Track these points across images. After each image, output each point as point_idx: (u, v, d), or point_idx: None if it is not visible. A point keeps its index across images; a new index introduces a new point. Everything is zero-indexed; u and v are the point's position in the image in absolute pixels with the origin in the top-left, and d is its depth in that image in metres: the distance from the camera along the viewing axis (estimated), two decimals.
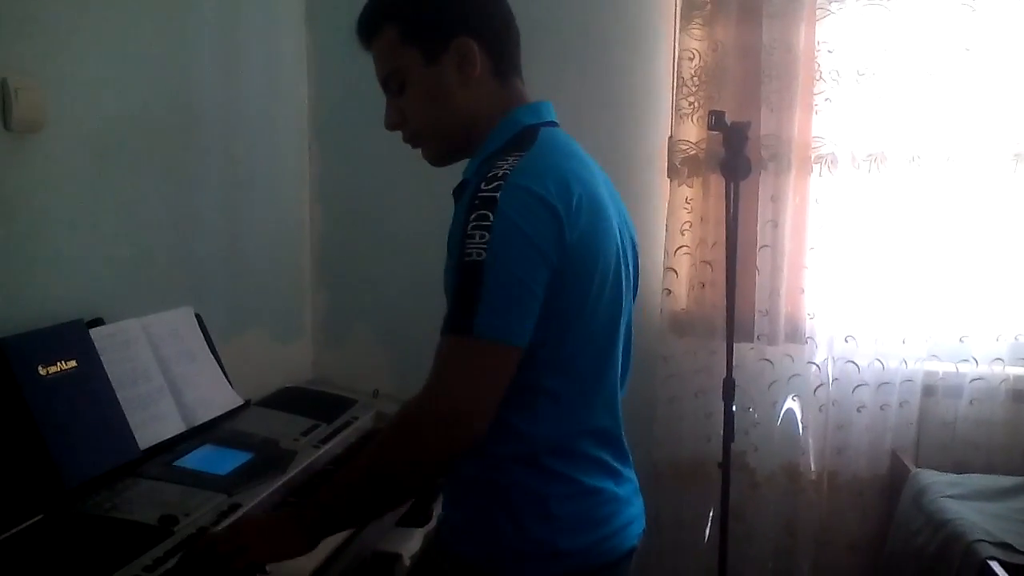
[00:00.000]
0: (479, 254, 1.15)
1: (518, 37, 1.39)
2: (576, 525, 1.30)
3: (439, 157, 1.41)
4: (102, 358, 1.67)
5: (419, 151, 1.43)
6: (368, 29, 1.36)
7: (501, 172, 1.20)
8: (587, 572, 1.31)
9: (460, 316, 1.17)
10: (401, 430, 1.25)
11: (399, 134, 1.41)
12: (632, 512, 1.39)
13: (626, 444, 1.41)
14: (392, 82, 1.36)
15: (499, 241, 1.16)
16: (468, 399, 1.18)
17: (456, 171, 1.45)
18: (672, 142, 2.57)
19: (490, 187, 1.19)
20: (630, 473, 1.42)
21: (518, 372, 1.21)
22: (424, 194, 2.64)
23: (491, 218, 1.16)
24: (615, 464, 1.37)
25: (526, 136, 1.30)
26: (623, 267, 1.34)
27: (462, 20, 1.32)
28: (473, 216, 1.17)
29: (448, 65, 1.32)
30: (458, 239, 1.19)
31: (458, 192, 1.35)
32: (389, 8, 1.35)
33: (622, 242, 1.34)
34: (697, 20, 2.51)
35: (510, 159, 1.23)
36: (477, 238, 1.16)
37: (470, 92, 1.33)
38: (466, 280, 1.16)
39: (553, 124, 1.37)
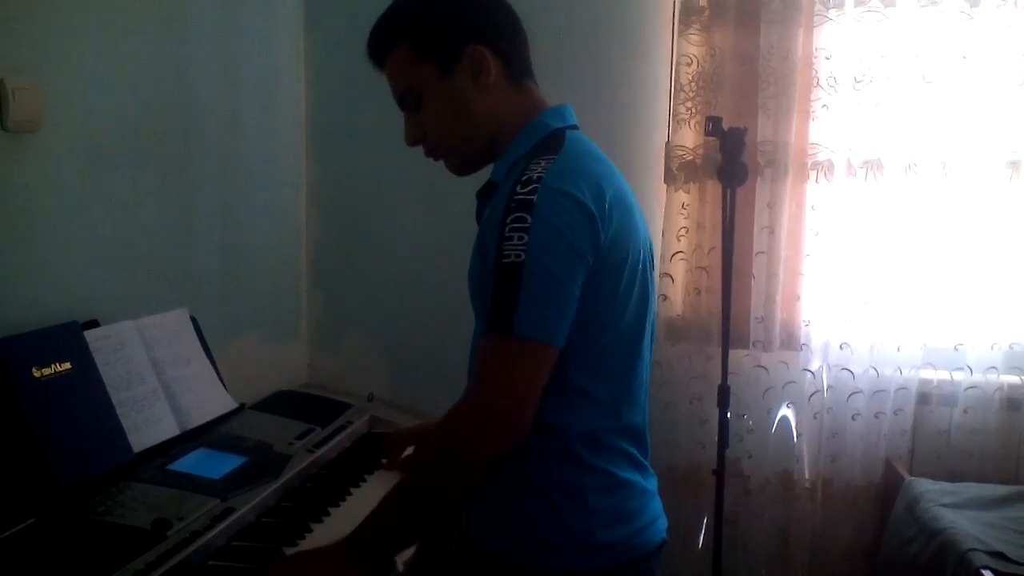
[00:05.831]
0: (517, 256, 1.17)
1: (526, 39, 1.40)
2: (613, 518, 1.31)
3: (463, 167, 1.42)
4: (96, 360, 1.67)
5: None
6: (380, 50, 1.37)
7: (535, 175, 1.22)
8: (623, 565, 1.32)
9: (500, 316, 1.18)
10: (447, 433, 1.26)
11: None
12: (658, 507, 1.41)
13: (649, 441, 1.42)
14: (409, 98, 1.36)
15: (537, 243, 1.18)
16: (510, 397, 1.19)
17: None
18: (669, 147, 2.57)
19: (526, 190, 1.21)
20: (652, 470, 1.44)
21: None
22: (421, 197, 2.65)
23: (528, 220, 1.18)
24: (642, 459, 1.39)
25: (554, 139, 1.32)
26: (648, 267, 1.38)
27: (472, 28, 1.33)
28: (510, 219, 1.19)
29: (463, 75, 1.33)
30: (495, 242, 1.20)
31: (484, 193, 1.37)
32: (399, 26, 1.35)
33: (645, 243, 1.38)
34: (695, 25, 2.51)
35: (542, 162, 1.25)
36: (515, 240, 1.18)
37: (487, 99, 1.34)
38: (505, 281, 1.18)
39: (575, 127, 1.39)
